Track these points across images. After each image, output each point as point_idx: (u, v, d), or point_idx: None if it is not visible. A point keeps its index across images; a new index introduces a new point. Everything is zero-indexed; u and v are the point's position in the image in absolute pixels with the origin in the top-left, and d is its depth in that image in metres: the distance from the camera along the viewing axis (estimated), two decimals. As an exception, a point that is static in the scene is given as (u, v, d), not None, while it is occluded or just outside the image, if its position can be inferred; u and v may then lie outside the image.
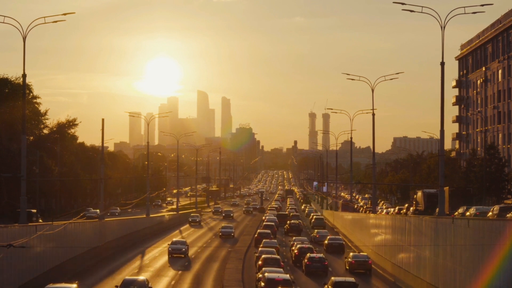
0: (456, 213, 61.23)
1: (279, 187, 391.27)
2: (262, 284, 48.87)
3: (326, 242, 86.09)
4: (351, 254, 70.82)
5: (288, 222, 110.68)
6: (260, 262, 60.12)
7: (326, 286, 50.67)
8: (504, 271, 35.56)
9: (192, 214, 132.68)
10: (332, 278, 51.36)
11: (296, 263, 69.39)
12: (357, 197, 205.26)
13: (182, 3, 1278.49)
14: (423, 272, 52.54)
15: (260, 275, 52.38)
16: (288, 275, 51.74)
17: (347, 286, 48.64)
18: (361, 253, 72.08)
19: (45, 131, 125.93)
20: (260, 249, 69.27)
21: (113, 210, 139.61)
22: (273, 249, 68.67)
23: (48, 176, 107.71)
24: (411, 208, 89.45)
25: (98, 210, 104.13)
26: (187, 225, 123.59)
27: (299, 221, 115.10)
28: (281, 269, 55.60)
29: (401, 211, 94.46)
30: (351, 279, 50.79)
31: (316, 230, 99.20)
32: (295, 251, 71.27)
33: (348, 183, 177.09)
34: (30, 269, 50.93)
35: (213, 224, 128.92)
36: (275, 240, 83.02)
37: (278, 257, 62.71)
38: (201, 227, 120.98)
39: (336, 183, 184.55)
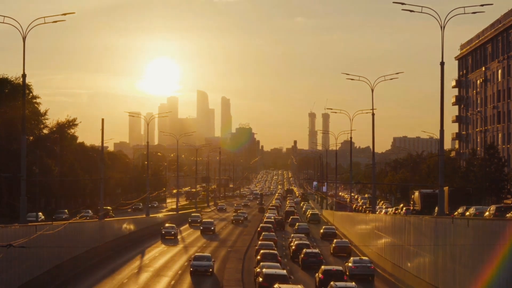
0: (456, 213, 61.32)
1: (279, 186, 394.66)
2: (260, 279, 50.84)
3: (322, 231, 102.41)
4: (335, 240, 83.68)
5: (273, 218, 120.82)
6: (258, 257, 63.58)
7: (317, 274, 55.13)
8: (504, 271, 35.58)
9: (166, 225, 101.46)
10: (322, 266, 55.95)
11: (294, 258, 72.61)
12: (356, 196, 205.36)
13: (182, 3, 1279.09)
14: (423, 272, 52.61)
15: (258, 270, 54.70)
16: (284, 271, 53.79)
17: (335, 274, 53.03)
18: (342, 240, 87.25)
19: (45, 131, 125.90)
20: (259, 242, 76.69)
21: (85, 213, 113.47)
22: (271, 243, 75.39)
23: (48, 176, 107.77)
24: (404, 208, 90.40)
25: (40, 214, 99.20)
26: (159, 241, 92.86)
27: (282, 217, 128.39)
28: (278, 264, 58.04)
29: (397, 211, 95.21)
30: (339, 268, 55.74)
31: (297, 224, 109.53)
32: (293, 246, 75.03)
33: (348, 183, 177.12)
34: (30, 269, 50.94)
35: (192, 239, 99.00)
36: (273, 233, 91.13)
37: (275, 252, 66.60)
38: (176, 243, 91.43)
39: (335, 183, 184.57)
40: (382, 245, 69.39)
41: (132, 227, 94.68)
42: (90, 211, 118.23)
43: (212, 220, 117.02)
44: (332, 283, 47.41)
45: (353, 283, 49.82)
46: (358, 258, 65.30)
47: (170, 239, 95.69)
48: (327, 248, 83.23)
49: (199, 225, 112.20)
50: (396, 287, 58.14)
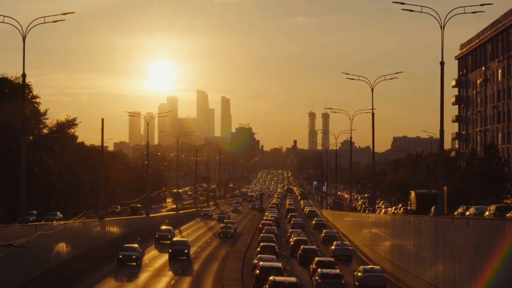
0: (456, 212, 61.44)
1: (279, 185, 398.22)
2: (257, 271, 53.88)
3: (314, 222, 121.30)
4: (324, 230, 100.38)
5: (269, 216, 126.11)
6: (258, 249, 70.31)
7: (311, 266, 59.36)
8: (504, 270, 35.57)
9: (126, 246, 69.39)
10: (316, 258, 60.58)
11: (292, 253, 77.31)
12: (355, 196, 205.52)
13: (182, 3, 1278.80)
14: (422, 272, 52.61)
15: (256, 261, 58.51)
16: (280, 264, 56.82)
17: (328, 264, 57.47)
18: (331, 230, 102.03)
19: (45, 131, 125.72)
20: (261, 235, 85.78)
21: (51, 216, 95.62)
22: (272, 235, 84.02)
23: (48, 176, 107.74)
24: (402, 208, 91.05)
25: None
26: (110, 276, 61.32)
27: (277, 215, 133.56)
28: (274, 257, 61.33)
29: (395, 211, 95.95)
30: (331, 259, 61.54)
31: (293, 219, 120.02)
32: (292, 242, 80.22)
33: (348, 183, 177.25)
34: (30, 269, 50.93)
35: (158, 266, 68.11)
36: (274, 228, 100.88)
37: (274, 244, 73.09)
38: (133, 280, 58.97)
39: (335, 183, 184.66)
40: (406, 258, 69.48)
41: (65, 249, 61.51)
42: (58, 213, 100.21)
43: (186, 240, 78.08)
44: (319, 270, 53.00)
45: (338, 270, 54.41)
46: (339, 242, 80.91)
47: (131, 266, 66.72)
48: (318, 236, 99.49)
49: (170, 243, 77.80)
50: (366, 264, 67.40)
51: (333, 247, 76.23)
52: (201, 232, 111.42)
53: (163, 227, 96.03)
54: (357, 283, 55.86)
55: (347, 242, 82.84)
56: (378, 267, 59.22)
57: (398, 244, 62.47)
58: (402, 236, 61.12)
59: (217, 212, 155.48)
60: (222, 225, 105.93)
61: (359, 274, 55.94)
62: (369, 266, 59.34)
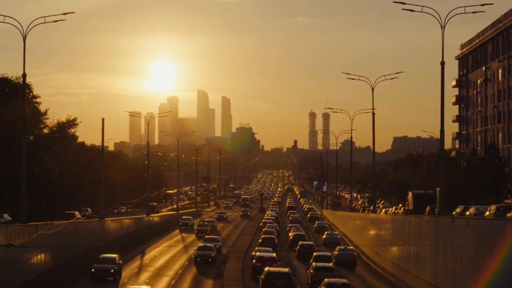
0: (454, 212, 61.50)
1: (279, 184, 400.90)
2: (254, 261, 61.02)
3: (308, 216, 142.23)
4: (317, 222, 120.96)
5: (270, 215, 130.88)
6: (260, 241, 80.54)
7: (310, 261, 63.39)
8: (504, 270, 35.55)
9: None
10: (314, 253, 66.08)
11: (291, 247, 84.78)
12: (355, 195, 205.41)
13: (183, 2, 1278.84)
14: (422, 272, 52.60)
15: (253, 253, 65.40)
16: (274, 254, 64.22)
17: (325, 258, 63.05)
18: (322, 222, 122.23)
19: (45, 130, 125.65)
20: (264, 230, 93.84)
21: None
22: (273, 230, 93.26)
23: (48, 176, 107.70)
24: (402, 209, 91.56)
25: None
26: None
27: (277, 214, 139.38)
28: (270, 249, 68.40)
29: (396, 211, 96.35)
30: (328, 253, 67.38)
31: (291, 215, 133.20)
32: (291, 237, 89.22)
33: (348, 183, 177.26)
34: (30, 269, 50.92)
35: None
36: (276, 224, 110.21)
37: (273, 237, 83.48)
38: None
39: (336, 183, 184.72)
40: (407, 258, 70.63)
41: None
42: (5, 215, 67.61)
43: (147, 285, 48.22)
44: (314, 263, 58.77)
45: (331, 264, 59.46)
46: (329, 232, 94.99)
47: None
48: (313, 227, 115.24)
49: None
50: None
51: (324, 236, 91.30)
52: (168, 258, 75.89)
53: (103, 256, 59.53)
54: (334, 260, 66.73)
55: (336, 232, 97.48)
56: (351, 247, 74.61)
57: (398, 244, 62.50)
58: (402, 236, 61.13)
59: (216, 212, 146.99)
60: (200, 244, 73.73)
61: (336, 252, 70.60)
62: (343, 246, 74.39)
